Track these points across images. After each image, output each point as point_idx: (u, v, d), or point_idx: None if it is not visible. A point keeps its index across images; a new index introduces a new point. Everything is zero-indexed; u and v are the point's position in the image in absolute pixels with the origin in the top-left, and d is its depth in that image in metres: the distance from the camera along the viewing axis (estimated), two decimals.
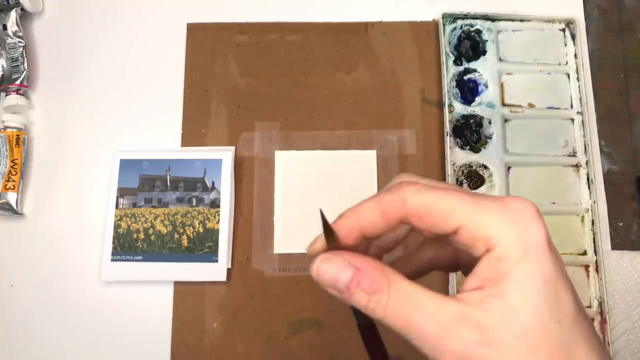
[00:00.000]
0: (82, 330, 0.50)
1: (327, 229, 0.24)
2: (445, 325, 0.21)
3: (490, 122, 0.54)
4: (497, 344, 0.20)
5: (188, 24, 0.57)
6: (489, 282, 0.21)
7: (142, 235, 0.51)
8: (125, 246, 0.51)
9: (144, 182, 0.52)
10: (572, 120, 0.55)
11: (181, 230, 0.51)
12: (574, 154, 0.54)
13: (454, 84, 0.56)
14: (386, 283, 0.22)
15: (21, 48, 0.54)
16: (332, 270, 0.23)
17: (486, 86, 0.55)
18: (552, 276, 0.21)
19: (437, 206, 0.22)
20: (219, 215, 0.51)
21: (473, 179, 0.53)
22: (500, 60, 0.56)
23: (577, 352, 0.20)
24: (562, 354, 0.20)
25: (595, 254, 0.51)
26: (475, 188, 0.53)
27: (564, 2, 0.59)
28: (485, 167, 0.53)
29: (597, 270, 0.51)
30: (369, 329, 0.25)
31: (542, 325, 0.20)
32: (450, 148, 0.53)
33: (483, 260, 0.22)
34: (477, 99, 0.55)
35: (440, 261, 0.28)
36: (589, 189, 0.53)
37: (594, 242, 0.52)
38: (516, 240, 0.21)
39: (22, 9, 0.55)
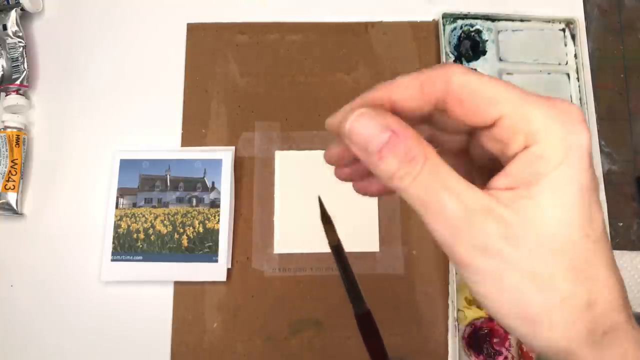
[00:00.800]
0: (82, 330, 0.50)
1: (325, 217, 0.23)
2: (471, 210, 0.19)
3: None
4: (519, 243, 0.19)
5: (188, 24, 0.57)
6: (522, 183, 0.19)
7: (142, 235, 0.51)
8: (125, 246, 0.50)
9: (144, 182, 0.52)
10: None
11: (181, 230, 0.51)
12: None
13: None
14: (422, 155, 0.19)
15: (21, 48, 0.54)
16: (368, 129, 0.20)
17: None
18: (589, 187, 0.19)
19: (483, 90, 0.20)
20: (219, 215, 0.51)
21: None
22: (500, 60, 0.56)
23: (598, 271, 0.19)
24: (582, 267, 0.19)
25: None
26: None
27: (564, 2, 0.59)
28: None
29: None
30: (366, 319, 0.25)
31: (570, 235, 0.19)
32: None
33: (519, 157, 0.19)
34: None
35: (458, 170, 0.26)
36: None
37: None
38: (560, 140, 0.19)
39: (22, 9, 0.55)
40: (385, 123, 0.19)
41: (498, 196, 0.19)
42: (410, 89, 0.21)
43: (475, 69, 0.55)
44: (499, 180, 0.20)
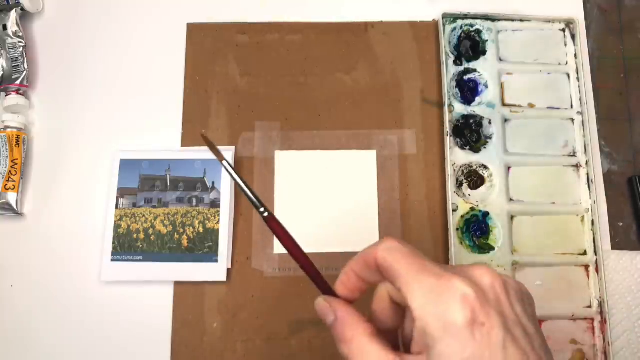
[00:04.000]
0: (82, 330, 0.50)
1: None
2: None
3: (490, 122, 0.54)
4: None
5: (188, 24, 0.57)
6: (423, 350, 0.24)
7: (142, 235, 0.51)
8: (125, 246, 0.50)
9: (144, 182, 0.52)
10: (572, 120, 0.55)
11: (181, 230, 0.51)
12: (574, 154, 0.54)
13: (454, 84, 0.55)
14: (350, 338, 0.27)
15: (21, 48, 0.54)
16: (322, 311, 0.29)
17: (486, 86, 0.55)
18: (473, 358, 0.22)
19: (392, 266, 0.25)
20: (219, 215, 0.51)
21: (473, 179, 0.53)
22: (500, 60, 0.56)
23: None
24: None
25: (595, 254, 0.51)
26: (475, 188, 0.53)
27: (564, 2, 0.59)
28: (485, 167, 0.53)
29: (597, 270, 0.51)
30: (271, 219, 0.31)
31: None
32: (450, 148, 0.53)
33: (415, 328, 0.24)
34: (477, 99, 0.55)
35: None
36: (589, 189, 0.53)
37: (594, 242, 0.52)
38: (434, 318, 0.23)
39: (22, 9, 0.55)
40: (331, 310, 0.28)
41: (406, 358, 0.24)
42: (359, 261, 0.28)
43: (474, 70, 0.55)
44: (413, 345, 0.25)
